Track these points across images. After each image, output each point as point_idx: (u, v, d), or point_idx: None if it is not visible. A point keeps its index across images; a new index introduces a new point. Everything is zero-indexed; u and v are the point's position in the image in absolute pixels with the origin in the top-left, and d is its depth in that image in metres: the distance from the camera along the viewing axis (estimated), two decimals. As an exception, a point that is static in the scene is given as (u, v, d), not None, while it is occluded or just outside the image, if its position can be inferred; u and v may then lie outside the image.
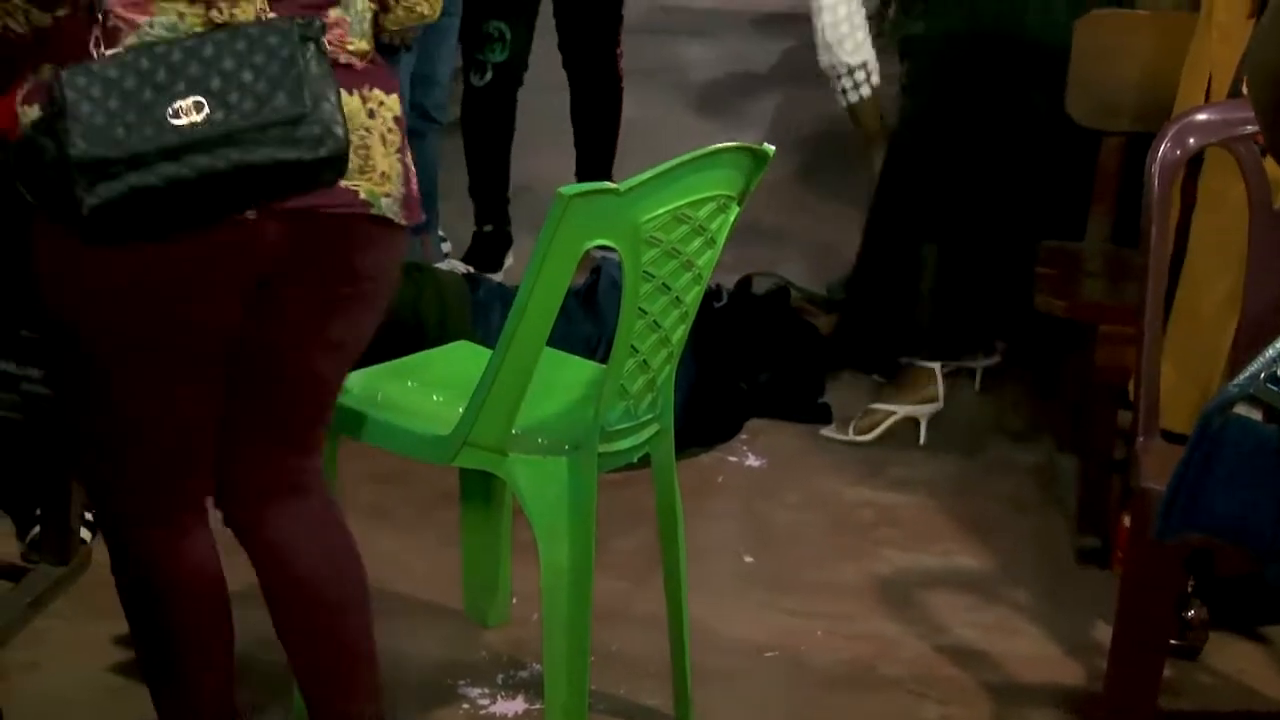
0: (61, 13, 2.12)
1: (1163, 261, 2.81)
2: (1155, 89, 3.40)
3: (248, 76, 2.07)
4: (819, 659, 3.12)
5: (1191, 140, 2.81)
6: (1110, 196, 3.66)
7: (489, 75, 4.66)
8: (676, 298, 2.63)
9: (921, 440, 3.95)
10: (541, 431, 2.65)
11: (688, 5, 7.71)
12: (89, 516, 3.30)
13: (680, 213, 2.55)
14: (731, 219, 2.64)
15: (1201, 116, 2.84)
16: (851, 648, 3.14)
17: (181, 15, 2.12)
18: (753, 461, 3.86)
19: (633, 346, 2.59)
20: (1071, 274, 3.62)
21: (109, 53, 2.08)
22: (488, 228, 4.84)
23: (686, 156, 2.55)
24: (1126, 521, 3.10)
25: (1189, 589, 3.09)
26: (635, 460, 2.76)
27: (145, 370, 2.23)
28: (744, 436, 3.94)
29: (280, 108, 2.07)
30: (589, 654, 2.63)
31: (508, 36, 4.59)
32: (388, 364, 2.92)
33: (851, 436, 3.94)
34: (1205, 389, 2.95)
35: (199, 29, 2.12)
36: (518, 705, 2.94)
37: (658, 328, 2.62)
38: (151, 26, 2.11)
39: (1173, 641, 2.97)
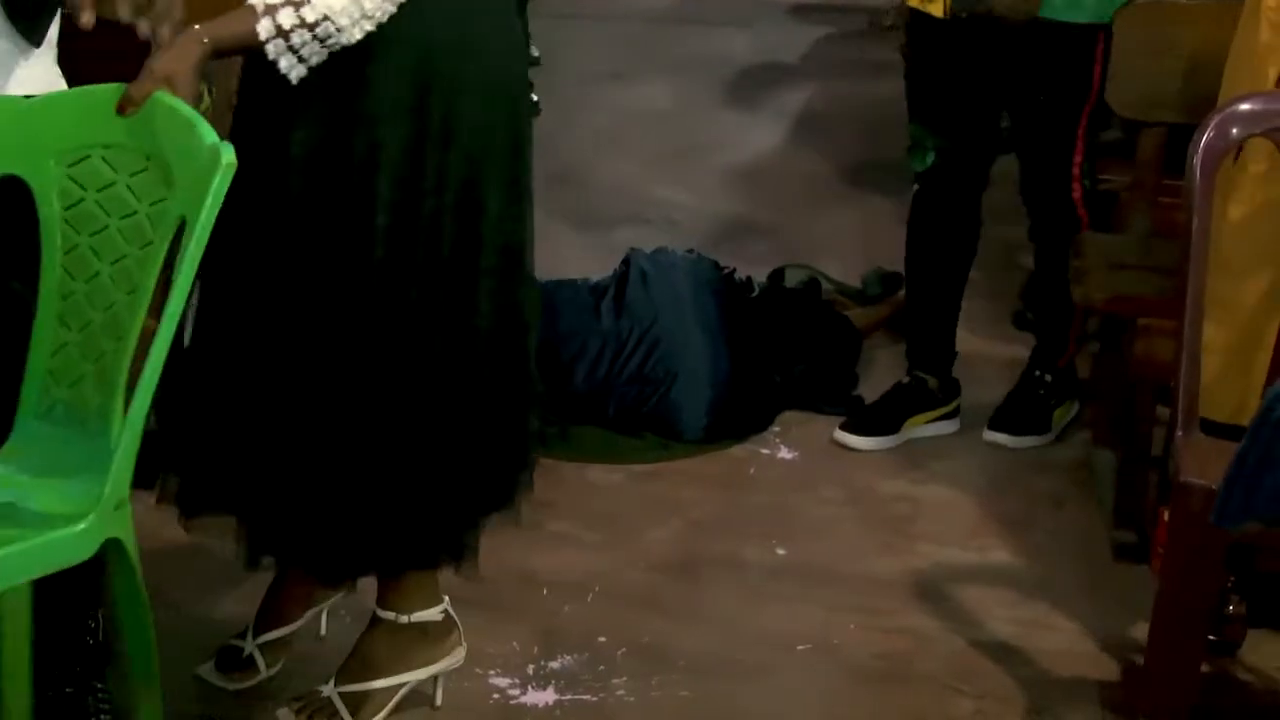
0: None
1: (1204, 253, 2.78)
2: (1199, 80, 3.36)
3: None
4: (853, 653, 3.10)
5: (1234, 131, 2.78)
6: (1150, 188, 3.63)
7: (915, 185, 3.85)
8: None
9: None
10: None
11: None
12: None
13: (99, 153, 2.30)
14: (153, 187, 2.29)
15: (1245, 107, 2.81)
16: (886, 642, 3.12)
17: None
18: (785, 454, 3.83)
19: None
20: (1109, 267, 3.58)
21: None
22: (925, 377, 3.89)
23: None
24: (1165, 516, 3.07)
25: (1228, 585, 3.06)
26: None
27: None
28: (776, 429, 3.91)
29: None
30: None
31: (928, 145, 3.75)
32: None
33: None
34: (1249, 380, 2.92)
35: None
36: (548, 696, 2.93)
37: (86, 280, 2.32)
38: None
39: (1210, 637, 2.95)
